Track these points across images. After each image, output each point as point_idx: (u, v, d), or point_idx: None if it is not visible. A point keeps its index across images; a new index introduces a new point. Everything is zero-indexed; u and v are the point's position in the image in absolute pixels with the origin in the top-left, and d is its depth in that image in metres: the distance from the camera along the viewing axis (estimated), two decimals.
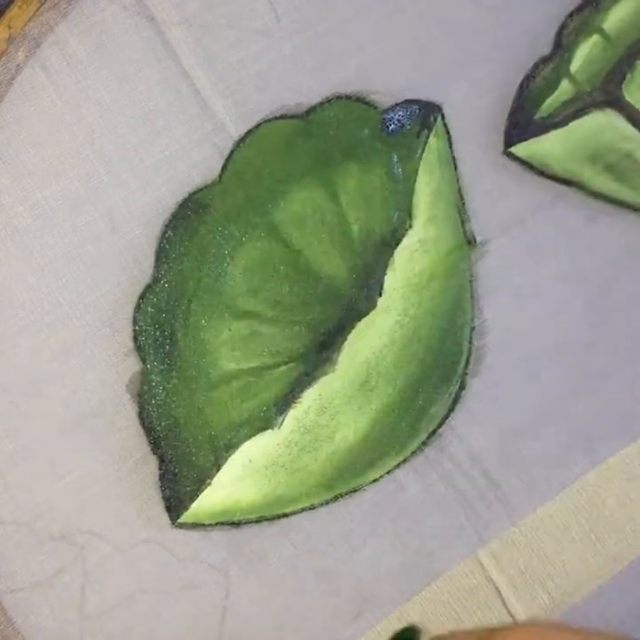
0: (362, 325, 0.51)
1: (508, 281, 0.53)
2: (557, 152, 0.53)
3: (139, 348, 0.50)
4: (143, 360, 0.50)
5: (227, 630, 0.51)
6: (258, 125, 0.52)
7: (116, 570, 0.50)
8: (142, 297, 0.50)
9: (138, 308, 0.50)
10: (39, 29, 0.51)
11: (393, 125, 0.52)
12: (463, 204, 0.53)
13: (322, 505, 0.51)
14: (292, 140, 0.51)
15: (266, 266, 0.52)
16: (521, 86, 0.53)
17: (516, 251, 0.54)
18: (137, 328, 0.50)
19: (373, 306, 0.51)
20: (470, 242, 0.53)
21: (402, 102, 0.52)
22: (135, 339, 0.50)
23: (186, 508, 0.50)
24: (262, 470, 0.51)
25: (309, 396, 0.51)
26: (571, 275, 0.54)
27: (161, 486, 0.50)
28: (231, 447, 0.50)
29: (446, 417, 0.52)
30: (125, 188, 0.51)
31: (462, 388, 0.53)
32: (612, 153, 0.53)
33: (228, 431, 0.50)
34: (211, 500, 0.50)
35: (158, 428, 0.50)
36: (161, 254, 0.51)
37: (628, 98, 0.52)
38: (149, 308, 0.50)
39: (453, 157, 0.52)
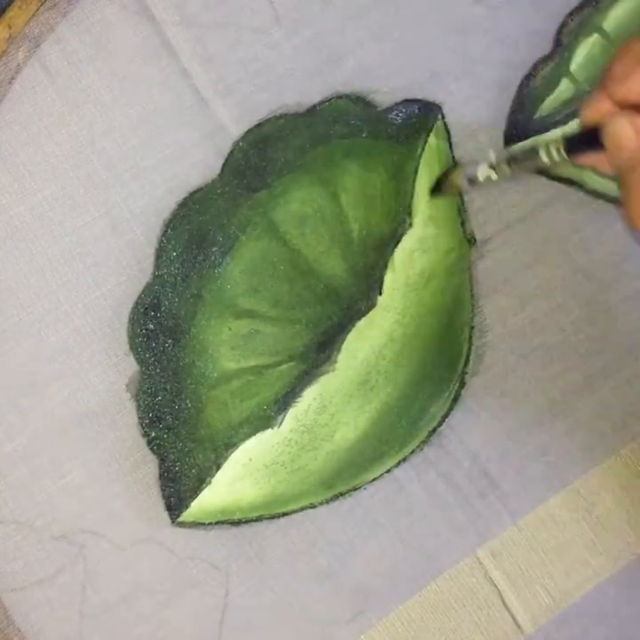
0: (362, 324, 0.51)
1: (508, 281, 0.53)
2: None
3: (137, 348, 0.50)
4: (140, 360, 0.50)
5: (227, 629, 0.51)
6: (258, 125, 0.52)
7: (117, 569, 0.50)
8: (142, 296, 0.51)
9: (138, 307, 0.50)
10: (39, 29, 0.51)
11: (393, 125, 0.52)
12: (463, 203, 0.53)
13: (322, 504, 0.51)
14: (292, 140, 0.51)
15: (266, 265, 0.52)
16: (521, 86, 0.53)
17: (517, 250, 0.54)
18: (137, 327, 0.50)
19: (373, 305, 0.51)
20: (470, 241, 0.53)
21: (402, 102, 0.52)
22: (133, 339, 0.50)
23: (186, 507, 0.50)
24: (262, 469, 0.51)
25: (309, 395, 0.51)
26: (570, 274, 0.54)
27: (161, 485, 0.50)
28: (231, 446, 0.50)
29: (446, 416, 0.52)
30: (125, 187, 0.51)
31: (462, 386, 0.53)
32: None
33: (228, 430, 0.50)
34: (211, 498, 0.50)
35: (158, 427, 0.50)
36: (161, 253, 0.51)
37: None
38: (150, 308, 0.50)
39: (453, 157, 0.52)
